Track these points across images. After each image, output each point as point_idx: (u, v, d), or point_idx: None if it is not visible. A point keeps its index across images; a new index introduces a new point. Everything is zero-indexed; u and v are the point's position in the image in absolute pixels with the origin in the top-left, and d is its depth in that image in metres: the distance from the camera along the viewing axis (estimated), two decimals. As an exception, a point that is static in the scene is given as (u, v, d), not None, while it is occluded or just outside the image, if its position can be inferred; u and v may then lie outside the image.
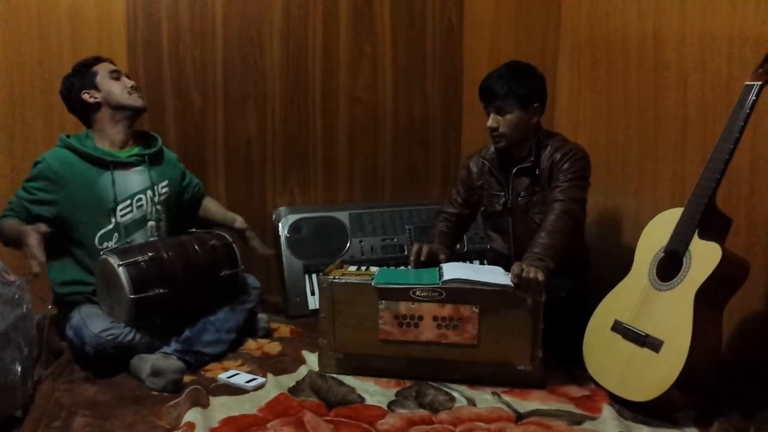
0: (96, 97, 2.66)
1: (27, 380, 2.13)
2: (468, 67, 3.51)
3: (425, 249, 2.63)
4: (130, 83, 2.72)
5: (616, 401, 2.21)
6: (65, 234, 2.57)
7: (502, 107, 2.59)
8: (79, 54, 2.99)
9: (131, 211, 2.65)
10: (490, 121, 2.62)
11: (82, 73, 2.69)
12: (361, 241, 3.27)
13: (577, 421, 2.13)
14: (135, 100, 2.70)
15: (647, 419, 2.11)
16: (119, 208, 2.61)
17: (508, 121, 2.60)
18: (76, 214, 2.57)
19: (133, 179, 2.67)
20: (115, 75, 2.71)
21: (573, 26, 3.38)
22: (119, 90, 2.68)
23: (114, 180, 2.62)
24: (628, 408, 2.17)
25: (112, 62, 2.76)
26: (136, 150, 2.72)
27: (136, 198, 2.66)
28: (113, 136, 2.69)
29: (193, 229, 2.77)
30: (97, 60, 2.74)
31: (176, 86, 3.20)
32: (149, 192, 2.70)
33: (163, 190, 2.75)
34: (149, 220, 2.69)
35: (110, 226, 2.60)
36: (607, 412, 2.15)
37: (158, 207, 2.72)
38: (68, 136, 2.66)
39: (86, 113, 2.70)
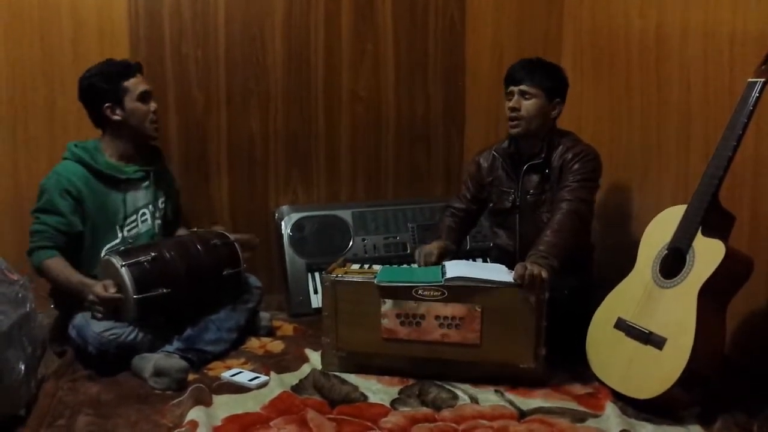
0: (118, 116, 2.61)
1: (30, 379, 2.13)
2: (470, 64, 3.51)
3: (436, 252, 2.63)
4: (154, 108, 2.66)
5: (620, 399, 2.21)
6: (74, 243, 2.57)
7: (526, 90, 2.59)
8: (80, 52, 3.00)
9: (136, 226, 2.69)
10: (513, 102, 2.61)
11: (112, 84, 2.59)
12: (363, 240, 3.27)
13: (581, 418, 2.13)
14: (152, 131, 2.68)
15: (651, 417, 2.11)
16: (127, 222, 2.65)
17: (530, 105, 2.60)
18: (88, 227, 2.58)
19: (139, 194, 2.71)
20: (145, 97, 2.63)
21: (575, 23, 3.38)
22: (142, 116, 2.63)
23: (125, 196, 2.65)
24: (631, 405, 2.17)
25: (142, 72, 2.68)
26: (141, 166, 2.71)
27: (141, 212, 2.70)
28: (122, 150, 2.67)
29: (195, 229, 2.78)
30: (131, 71, 2.63)
31: (178, 84, 3.19)
32: (151, 207, 2.74)
33: (162, 206, 2.79)
34: (153, 235, 2.73)
35: (117, 240, 2.64)
36: (611, 409, 2.15)
37: (158, 222, 2.77)
38: (76, 145, 2.62)
39: (100, 121, 2.65)
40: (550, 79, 2.62)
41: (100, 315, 2.36)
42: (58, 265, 2.49)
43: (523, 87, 2.60)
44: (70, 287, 2.47)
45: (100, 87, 2.59)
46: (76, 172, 2.56)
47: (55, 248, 2.51)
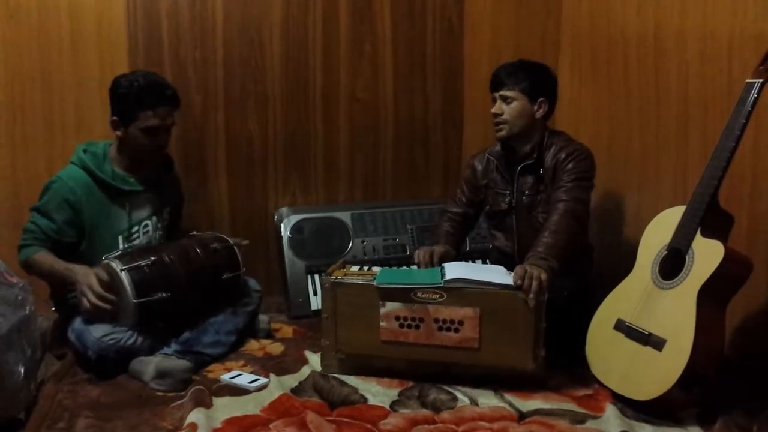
0: (119, 132, 2.57)
1: (30, 382, 2.13)
2: (468, 66, 3.51)
3: (437, 254, 2.63)
4: (161, 142, 2.60)
5: (619, 400, 2.21)
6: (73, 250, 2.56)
7: (507, 95, 2.62)
8: (78, 54, 3.01)
9: (138, 237, 2.67)
10: (495, 108, 2.64)
11: (128, 105, 2.53)
12: (363, 241, 3.27)
13: (580, 420, 2.13)
14: (149, 158, 2.63)
15: (650, 418, 2.11)
16: (132, 233, 2.65)
17: (512, 109, 2.61)
18: (88, 237, 2.56)
19: (144, 205, 2.69)
20: (151, 131, 2.55)
21: (573, 24, 3.38)
22: (138, 146, 2.57)
23: (130, 208, 2.63)
24: (631, 407, 2.17)
25: (172, 105, 2.60)
26: (148, 176, 2.68)
27: (143, 224, 2.69)
28: (126, 162, 2.63)
29: (194, 233, 2.78)
30: (153, 103, 2.53)
31: (177, 87, 3.16)
32: (154, 218, 2.73)
33: (166, 216, 2.80)
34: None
35: (118, 252, 2.59)
36: (610, 411, 2.15)
37: (160, 233, 2.76)
38: (85, 150, 2.59)
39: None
40: (529, 80, 2.62)
41: (88, 305, 2.32)
42: (42, 257, 2.48)
43: (503, 92, 2.63)
44: (55, 276, 2.46)
45: (118, 100, 2.56)
46: (79, 179, 2.53)
47: (42, 247, 2.49)
